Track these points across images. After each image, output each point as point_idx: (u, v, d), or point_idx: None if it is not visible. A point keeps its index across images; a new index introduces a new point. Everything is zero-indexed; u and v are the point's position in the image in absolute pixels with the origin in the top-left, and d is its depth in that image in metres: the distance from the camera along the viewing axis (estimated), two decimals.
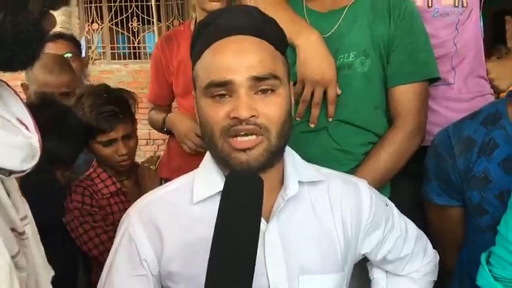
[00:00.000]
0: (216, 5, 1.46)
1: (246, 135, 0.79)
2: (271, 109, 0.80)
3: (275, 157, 0.83)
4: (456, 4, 1.35)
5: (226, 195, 0.65)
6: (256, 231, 0.61)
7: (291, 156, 0.89)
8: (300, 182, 0.87)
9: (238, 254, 0.59)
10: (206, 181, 0.86)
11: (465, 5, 1.35)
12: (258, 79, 0.79)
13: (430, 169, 1.14)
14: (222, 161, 0.84)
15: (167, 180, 1.47)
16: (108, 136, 1.46)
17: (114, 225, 1.50)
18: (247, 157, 0.80)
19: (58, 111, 1.39)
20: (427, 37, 1.26)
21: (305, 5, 1.28)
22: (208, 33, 0.85)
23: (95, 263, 1.47)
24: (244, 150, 0.79)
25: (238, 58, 0.80)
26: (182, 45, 1.56)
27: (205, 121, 0.83)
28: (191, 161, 1.53)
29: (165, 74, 1.62)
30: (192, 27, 1.57)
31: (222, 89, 0.80)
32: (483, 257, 0.90)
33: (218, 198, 0.83)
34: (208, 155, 0.89)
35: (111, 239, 1.37)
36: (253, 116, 0.78)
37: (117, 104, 1.47)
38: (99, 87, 1.57)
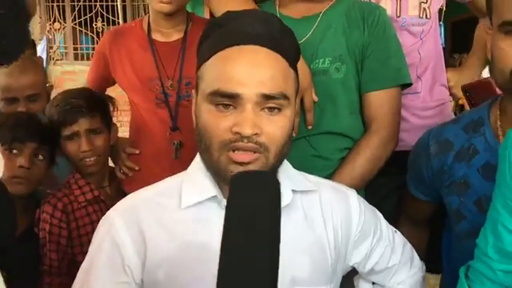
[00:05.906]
0: (164, 7, 1.38)
1: (245, 151, 0.77)
2: (274, 129, 0.77)
3: None
4: (421, 15, 1.41)
5: (235, 196, 0.53)
6: (277, 235, 0.50)
7: (284, 165, 0.87)
8: (293, 191, 0.86)
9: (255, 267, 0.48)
10: (196, 186, 0.83)
11: (428, 16, 1.41)
12: (267, 97, 0.76)
13: (409, 161, 1.19)
14: (216, 171, 0.80)
15: None
16: (71, 129, 1.42)
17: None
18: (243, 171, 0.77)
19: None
20: (399, 44, 1.28)
21: (278, 12, 1.28)
22: (221, 35, 0.80)
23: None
24: (241, 163, 0.77)
25: (250, 71, 0.76)
26: (130, 43, 1.50)
27: (204, 128, 0.79)
28: (151, 169, 1.48)
29: (105, 67, 1.56)
30: (145, 26, 1.49)
31: (227, 100, 0.76)
32: (462, 271, 0.88)
33: (208, 204, 0.82)
34: (197, 160, 0.86)
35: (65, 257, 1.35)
36: (255, 134, 0.76)
37: (85, 99, 1.43)
38: (81, 90, 1.53)
